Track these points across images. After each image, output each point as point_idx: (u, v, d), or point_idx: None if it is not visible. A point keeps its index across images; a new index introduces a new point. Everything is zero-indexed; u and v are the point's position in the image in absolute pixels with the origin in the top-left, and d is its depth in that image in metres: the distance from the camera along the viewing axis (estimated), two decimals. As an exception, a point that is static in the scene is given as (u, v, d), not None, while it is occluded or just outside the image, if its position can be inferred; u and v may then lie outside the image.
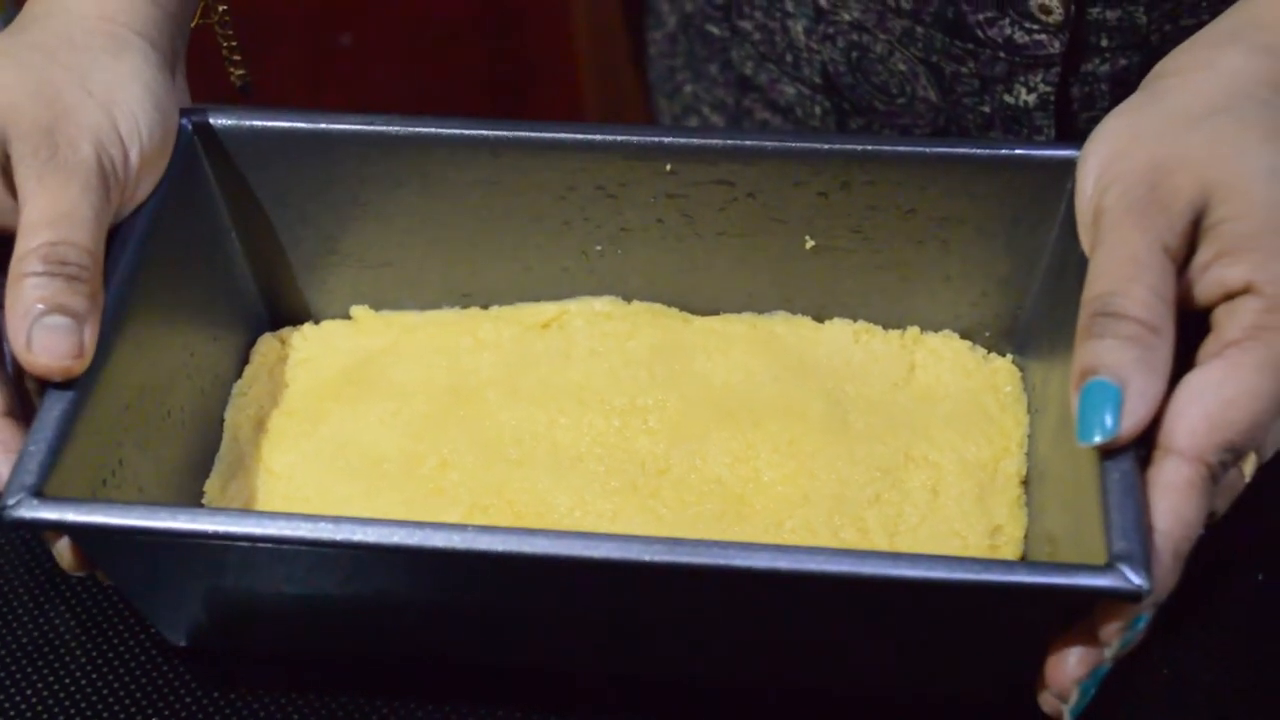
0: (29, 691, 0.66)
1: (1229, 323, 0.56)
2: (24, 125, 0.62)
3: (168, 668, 0.67)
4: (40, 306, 0.59)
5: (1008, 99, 0.80)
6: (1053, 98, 0.79)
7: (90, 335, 0.60)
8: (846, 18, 0.82)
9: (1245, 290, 0.56)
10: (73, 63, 0.65)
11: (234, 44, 0.75)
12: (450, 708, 0.66)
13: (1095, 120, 0.63)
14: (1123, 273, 0.57)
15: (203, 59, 0.75)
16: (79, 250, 0.60)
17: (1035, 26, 0.77)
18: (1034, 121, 0.80)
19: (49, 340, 0.59)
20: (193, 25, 0.72)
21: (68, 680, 0.67)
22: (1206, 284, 0.57)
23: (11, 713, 0.66)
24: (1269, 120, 0.59)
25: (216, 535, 0.56)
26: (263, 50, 0.77)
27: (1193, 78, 0.61)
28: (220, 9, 0.74)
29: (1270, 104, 0.59)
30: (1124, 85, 0.78)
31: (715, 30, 0.91)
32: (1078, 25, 0.77)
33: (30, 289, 0.59)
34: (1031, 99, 0.80)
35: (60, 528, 0.57)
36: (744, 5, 0.88)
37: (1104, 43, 0.77)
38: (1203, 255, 0.57)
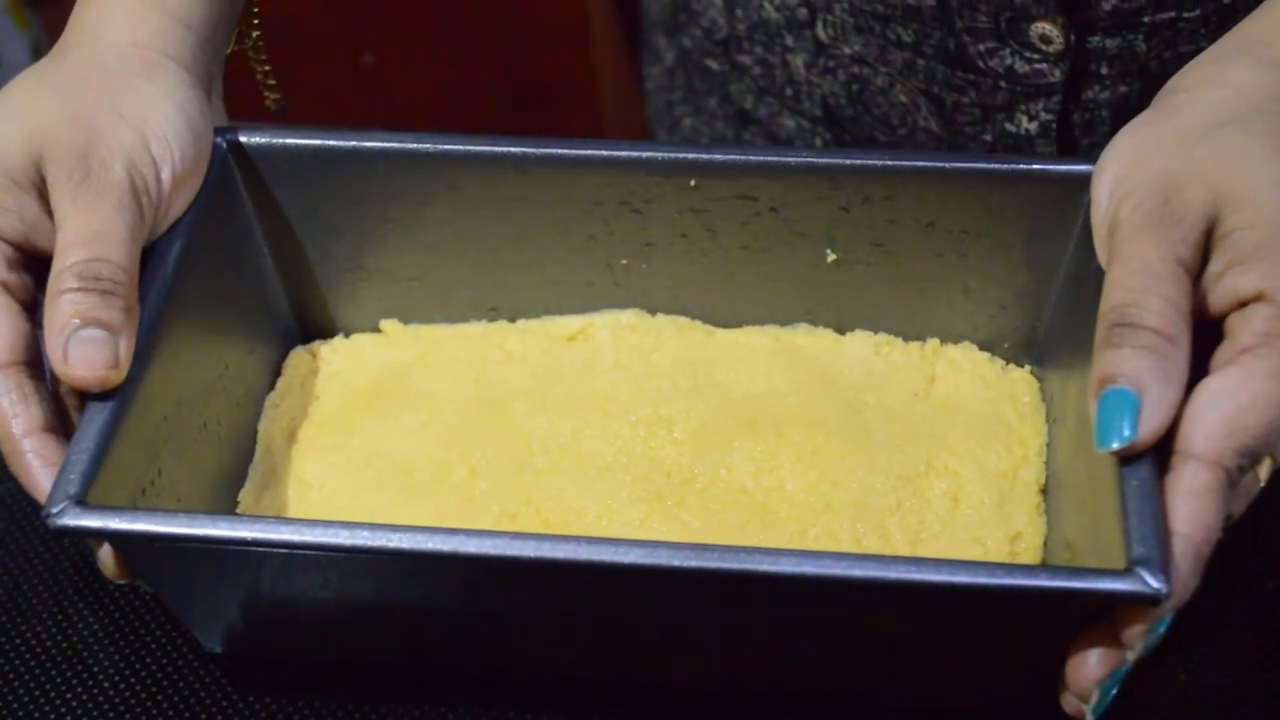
0: (59, 700, 0.67)
1: (1242, 330, 0.57)
2: (59, 149, 0.63)
3: (204, 672, 0.68)
4: (76, 321, 0.60)
5: (1009, 127, 0.81)
6: (1054, 125, 0.80)
7: (125, 347, 0.61)
8: (847, 51, 0.83)
9: (1257, 298, 0.57)
10: (106, 88, 0.66)
11: (268, 69, 0.76)
12: (482, 713, 0.66)
13: (1096, 146, 0.64)
14: (1138, 284, 0.57)
15: (240, 83, 0.76)
16: (113, 266, 0.62)
17: (1036, 56, 0.77)
18: (1035, 149, 0.81)
19: (85, 352, 0.60)
20: (228, 51, 0.74)
21: (105, 684, 0.68)
22: (1220, 293, 0.58)
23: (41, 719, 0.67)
24: (1276, 131, 0.60)
25: (256, 542, 0.57)
26: (285, 68, 0.78)
27: (1202, 93, 0.62)
28: (254, 35, 0.75)
29: (1278, 116, 0.60)
30: (1125, 112, 0.78)
31: (714, 65, 0.92)
32: (1078, 54, 0.77)
33: (66, 304, 0.60)
34: (1033, 127, 0.80)
35: (103, 535, 0.58)
36: (743, 40, 0.88)
37: (1104, 70, 0.78)
38: (1215, 265, 0.58)
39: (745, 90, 0.90)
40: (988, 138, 0.82)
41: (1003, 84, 0.79)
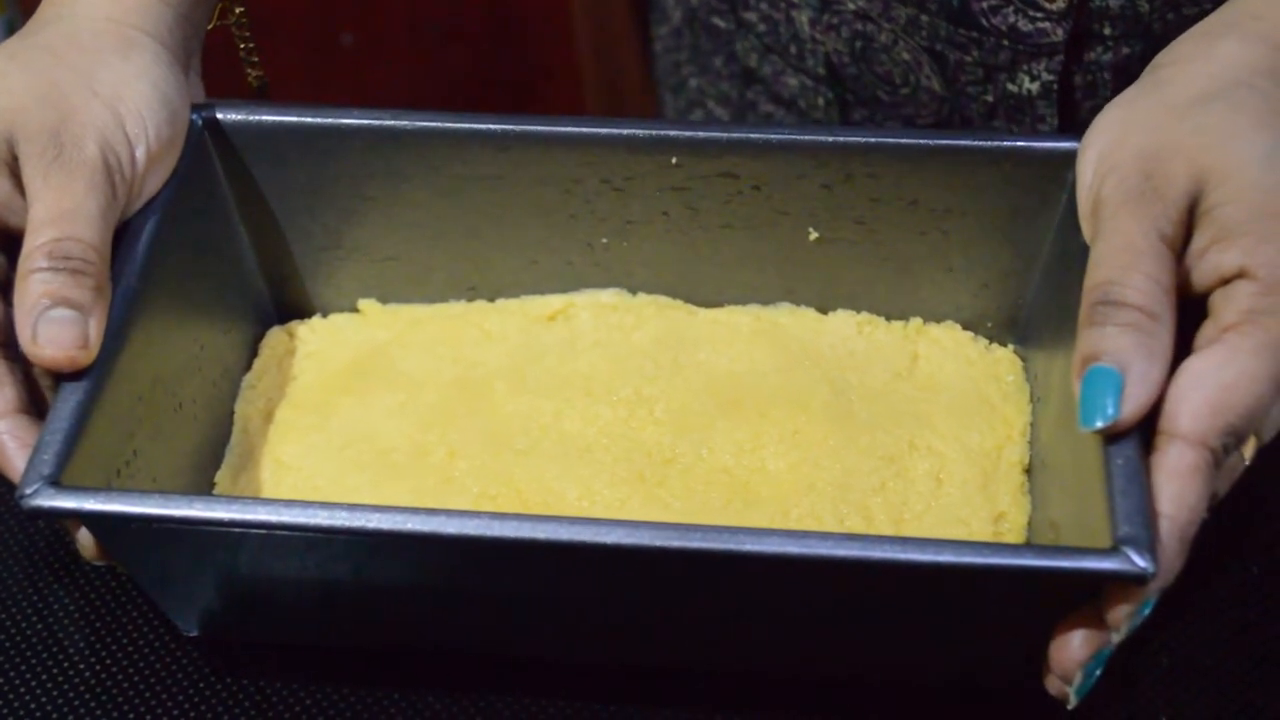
0: (35, 682, 0.67)
1: (1225, 307, 0.56)
2: (31, 127, 0.63)
3: (181, 654, 0.67)
4: (45, 301, 0.60)
5: (1011, 88, 0.81)
6: (1056, 86, 0.80)
7: (96, 327, 0.60)
8: (851, 7, 0.83)
9: (1239, 275, 0.56)
10: (80, 64, 0.65)
11: (251, 45, 0.76)
12: (462, 696, 0.66)
13: (1098, 109, 0.63)
14: (1121, 261, 0.57)
15: (219, 60, 0.75)
16: (83, 245, 0.61)
17: (1039, 14, 0.77)
18: (1037, 110, 0.81)
19: (53, 332, 0.59)
20: (210, 26, 0.73)
21: (81, 666, 0.67)
22: (1203, 270, 0.58)
23: (17, 703, 0.66)
24: (1262, 106, 0.59)
25: (233, 523, 0.56)
26: (264, 49, 0.78)
27: (1189, 67, 0.62)
28: (237, 10, 0.74)
29: (1264, 91, 0.60)
30: (1126, 74, 0.78)
31: (720, 23, 0.92)
32: (1081, 13, 0.77)
33: (35, 284, 0.60)
34: (1035, 87, 0.80)
35: (77, 516, 0.58)
36: None
37: (1106, 31, 0.78)
38: (1198, 241, 0.58)
39: (750, 48, 0.90)
40: (989, 98, 0.82)
41: (1005, 42, 0.79)
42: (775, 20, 0.87)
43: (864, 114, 0.86)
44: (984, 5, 0.78)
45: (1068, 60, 0.79)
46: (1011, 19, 0.78)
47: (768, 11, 0.87)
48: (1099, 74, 0.79)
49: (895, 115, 0.85)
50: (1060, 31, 0.77)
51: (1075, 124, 0.80)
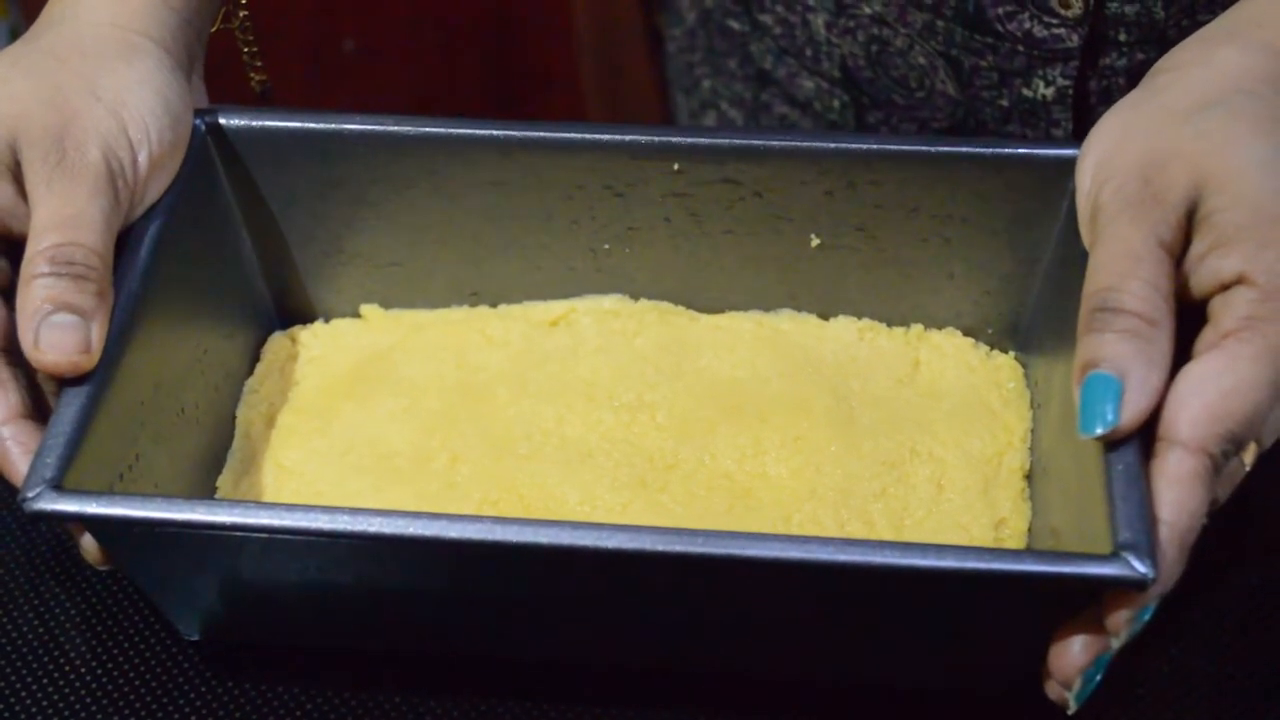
0: (36, 687, 0.67)
1: (1225, 314, 0.56)
2: (34, 132, 0.63)
3: (182, 658, 0.67)
4: (48, 306, 0.60)
5: (1026, 93, 0.81)
6: (1070, 92, 0.80)
7: (98, 332, 0.60)
8: (867, 11, 0.83)
9: (1239, 280, 0.56)
10: (83, 69, 0.65)
11: (255, 49, 0.76)
12: (463, 700, 0.66)
13: None
14: (1120, 268, 0.57)
15: (224, 64, 0.75)
16: (85, 250, 0.61)
17: (1054, 20, 0.77)
18: (1051, 115, 0.81)
19: (55, 337, 0.60)
20: (213, 30, 0.73)
21: (83, 670, 0.67)
22: (1202, 275, 0.58)
23: (17, 707, 0.66)
24: (1262, 112, 0.59)
25: (235, 527, 0.56)
26: (267, 54, 0.78)
27: (1189, 73, 0.62)
28: (241, 14, 0.74)
29: (1264, 98, 0.60)
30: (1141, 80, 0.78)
31: (735, 25, 0.92)
32: (1096, 19, 0.77)
33: (38, 289, 0.60)
34: (1049, 93, 0.80)
35: (79, 520, 0.58)
36: None
37: (1122, 37, 0.78)
38: (1197, 247, 0.58)
39: (765, 50, 0.90)
40: (1004, 103, 0.82)
41: (1020, 48, 0.79)
42: (791, 23, 0.87)
43: (879, 117, 0.87)
44: (999, 11, 0.78)
45: (1083, 66, 0.79)
46: (1027, 25, 0.78)
47: (783, 14, 0.88)
48: (1114, 80, 0.80)
49: (910, 119, 0.85)
50: (1075, 38, 0.78)
51: (1089, 129, 0.80)
